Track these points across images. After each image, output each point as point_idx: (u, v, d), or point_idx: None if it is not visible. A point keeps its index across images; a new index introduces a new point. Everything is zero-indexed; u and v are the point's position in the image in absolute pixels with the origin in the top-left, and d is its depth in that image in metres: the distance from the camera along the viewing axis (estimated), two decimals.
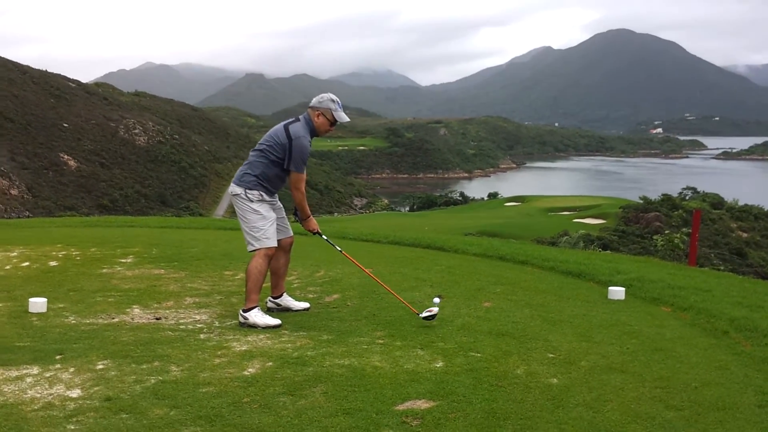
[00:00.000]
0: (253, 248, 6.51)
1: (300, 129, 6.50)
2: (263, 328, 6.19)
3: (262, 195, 6.53)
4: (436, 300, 6.63)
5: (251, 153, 6.66)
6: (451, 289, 7.86)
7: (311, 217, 6.73)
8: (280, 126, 6.61)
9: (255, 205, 6.51)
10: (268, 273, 6.66)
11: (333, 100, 6.58)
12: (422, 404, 4.28)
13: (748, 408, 4.42)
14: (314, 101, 6.62)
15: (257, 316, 6.29)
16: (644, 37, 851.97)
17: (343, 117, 6.61)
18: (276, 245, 6.58)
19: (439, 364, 5.06)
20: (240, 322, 6.33)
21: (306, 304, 6.91)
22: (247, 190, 6.50)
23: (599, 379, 4.85)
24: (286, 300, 6.87)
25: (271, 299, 6.84)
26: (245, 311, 6.33)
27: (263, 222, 6.52)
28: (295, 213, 6.81)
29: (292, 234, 6.88)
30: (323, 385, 4.55)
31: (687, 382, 4.85)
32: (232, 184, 6.62)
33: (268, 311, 6.65)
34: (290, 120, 6.66)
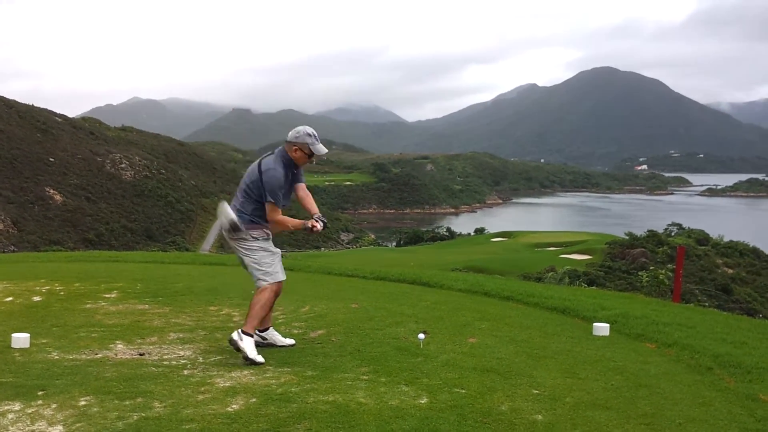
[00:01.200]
0: (266, 283, 6.51)
1: (271, 162, 6.52)
2: (247, 359, 6.17)
3: (266, 233, 6.57)
4: (421, 336, 6.63)
5: (239, 194, 6.65)
6: (436, 324, 7.84)
7: (304, 221, 6.65)
8: (254, 163, 6.65)
9: (261, 243, 6.54)
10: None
11: (309, 134, 6.56)
12: None
13: None
14: (290, 135, 6.59)
15: (250, 346, 6.27)
16: (628, 75, 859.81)
17: (320, 150, 6.58)
18: (284, 279, 6.64)
19: (424, 401, 5.04)
20: (231, 339, 6.33)
21: (291, 341, 6.88)
22: (249, 231, 6.51)
23: (584, 415, 4.85)
24: (273, 334, 6.84)
25: (258, 333, 6.78)
26: (244, 333, 6.33)
27: (272, 258, 6.57)
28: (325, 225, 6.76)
29: (284, 274, 6.85)
30: (307, 422, 4.53)
31: (671, 419, 4.85)
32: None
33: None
34: (265, 154, 6.73)
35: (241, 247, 6.58)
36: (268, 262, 6.53)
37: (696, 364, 6.45)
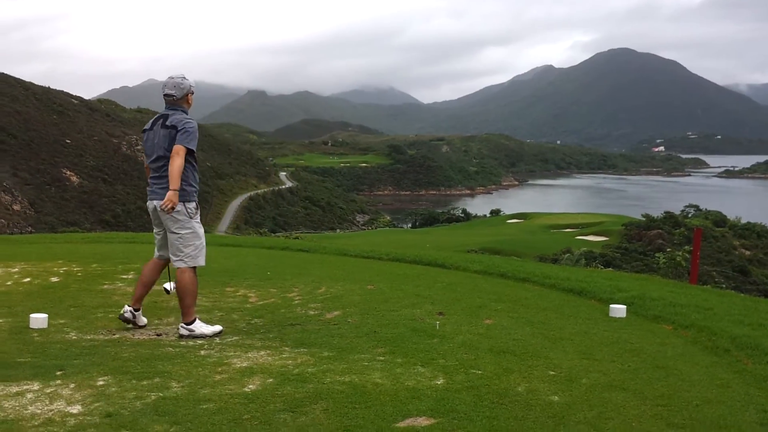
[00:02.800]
0: (185, 265, 6.50)
1: (180, 115, 6.53)
2: (211, 335, 6.32)
3: (199, 207, 6.58)
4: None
5: (160, 166, 6.53)
6: (452, 306, 7.84)
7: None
8: (153, 131, 6.59)
9: (194, 222, 6.54)
10: (140, 284, 6.72)
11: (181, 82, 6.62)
12: (423, 421, 4.26)
13: (749, 426, 4.39)
14: (186, 84, 6.62)
15: (203, 327, 6.40)
16: (645, 56, 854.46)
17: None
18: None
19: (440, 381, 5.04)
20: (182, 335, 6.38)
21: (145, 321, 6.84)
22: (186, 203, 6.47)
23: (600, 396, 4.83)
24: (139, 315, 6.78)
25: (132, 310, 6.69)
26: (188, 324, 6.39)
27: (199, 240, 6.57)
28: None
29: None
30: (324, 402, 4.54)
31: (688, 400, 4.83)
32: (161, 200, 6.43)
33: (121, 320, 6.66)
34: (161, 119, 6.59)
35: (171, 223, 6.49)
36: (195, 245, 6.54)
37: (713, 345, 6.42)
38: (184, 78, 6.63)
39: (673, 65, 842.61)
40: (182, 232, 6.47)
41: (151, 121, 6.69)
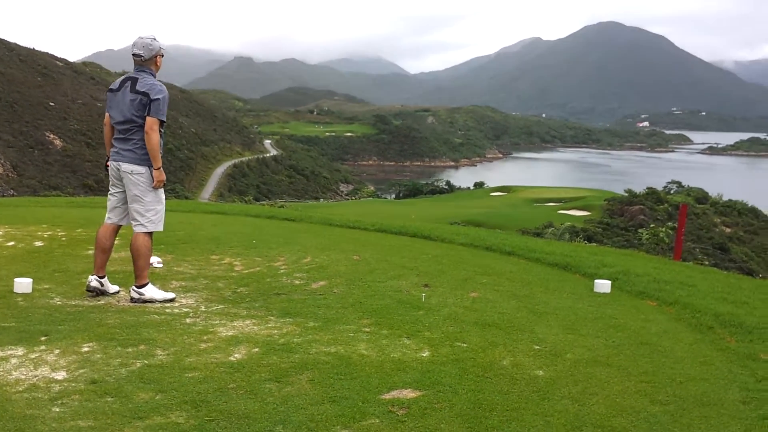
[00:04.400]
0: (145, 230, 6.51)
1: (150, 79, 6.48)
2: (161, 301, 6.37)
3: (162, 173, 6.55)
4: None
5: (126, 129, 6.45)
6: (437, 278, 7.86)
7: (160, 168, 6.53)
8: (126, 92, 6.45)
9: (158, 188, 6.56)
10: (98, 251, 6.64)
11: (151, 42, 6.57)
12: (408, 394, 4.28)
13: (732, 404, 4.43)
14: (155, 46, 6.56)
15: (154, 291, 6.43)
16: (633, 30, 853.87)
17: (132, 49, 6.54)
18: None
19: (426, 354, 5.06)
20: (132, 298, 6.39)
21: (116, 288, 6.78)
22: (151, 169, 6.45)
23: (585, 372, 4.86)
24: (107, 283, 6.71)
25: (97, 279, 6.60)
26: (140, 287, 6.40)
27: (161, 206, 6.60)
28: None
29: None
30: (309, 373, 4.54)
31: (672, 377, 4.87)
32: (126, 163, 6.44)
33: (88, 292, 6.56)
34: (129, 81, 6.50)
35: (134, 188, 6.47)
36: (156, 210, 6.56)
37: (697, 322, 6.46)
38: (154, 39, 6.57)
39: (661, 40, 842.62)
40: (146, 198, 6.48)
41: (118, 81, 6.60)
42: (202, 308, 6.27)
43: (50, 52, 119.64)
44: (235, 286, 7.22)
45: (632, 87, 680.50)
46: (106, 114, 6.65)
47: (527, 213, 62.24)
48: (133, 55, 6.51)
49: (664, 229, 44.63)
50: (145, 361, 4.65)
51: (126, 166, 6.44)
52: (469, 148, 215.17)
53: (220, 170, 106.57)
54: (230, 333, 5.43)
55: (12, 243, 9.26)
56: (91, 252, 8.81)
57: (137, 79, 6.44)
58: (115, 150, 6.54)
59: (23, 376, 4.32)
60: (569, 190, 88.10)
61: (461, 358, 4.99)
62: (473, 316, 6.22)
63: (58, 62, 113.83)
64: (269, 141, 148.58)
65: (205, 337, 5.27)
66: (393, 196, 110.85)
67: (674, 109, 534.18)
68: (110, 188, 6.71)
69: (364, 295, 6.88)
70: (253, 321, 5.83)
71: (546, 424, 3.95)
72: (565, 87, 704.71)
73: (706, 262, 25.80)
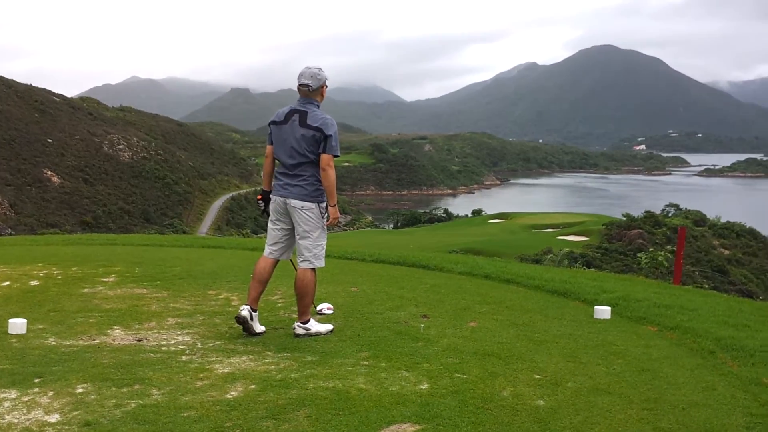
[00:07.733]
0: (311, 266, 6.48)
1: (320, 113, 6.40)
2: (325, 333, 6.44)
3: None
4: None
5: (296, 164, 6.37)
6: (436, 308, 7.80)
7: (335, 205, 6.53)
8: (295, 127, 6.36)
9: (324, 221, 6.51)
10: (256, 283, 6.57)
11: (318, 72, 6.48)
12: (408, 428, 4.22)
13: (735, 430, 4.39)
14: (314, 83, 6.41)
15: (318, 325, 6.47)
16: (628, 53, 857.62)
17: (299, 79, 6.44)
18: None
19: (425, 386, 5.00)
20: (298, 335, 6.38)
21: (263, 329, 6.64)
22: (320, 204, 6.42)
23: (586, 400, 4.81)
24: (256, 319, 6.60)
25: (249, 309, 6.48)
26: (305, 323, 6.42)
27: (326, 241, 6.59)
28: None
29: None
30: (307, 409, 4.49)
31: (674, 403, 4.82)
32: (295, 199, 6.37)
33: (237, 321, 6.48)
34: (297, 114, 6.41)
35: (303, 224, 6.42)
36: (322, 246, 6.53)
37: (698, 347, 6.41)
38: (321, 69, 6.48)
39: (656, 62, 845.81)
40: (314, 234, 6.45)
41: (282, 113, 6.50)
42: (199, 345, 6.21)
43: (47, 87, 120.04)
44: (232, 321, 7.14)
45: (628, 110, 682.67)
46: (268, 146, 6.59)
47: (526, 239, 62.25)
48: (300, 85, 6.42)
49: (663, 253, 44.61)
50: (140, 401, 4.59)
51: (295, 202, 6.38)
52: (467, 176, 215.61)
53: (217, 203, 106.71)
54: (227, 370, 5.37)
55: (7, 283, 9.20)
56: (87, 290, 8.77)
57: (306, 112, 6.37)
58: (280, 184, 6.47)
59: (16, 420, 4.26)
60: (567, 215, 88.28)
61: (461, 389, 4.93)
62: (473, 346, 6.16)
63: (55, 98, 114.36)
64: None
65: (201, 375, 5.21)
66: (391, 225, 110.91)
67: (670, 131, 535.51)
68: (272, 222, 6.64)
69: (363, 327, 6.83)
70: (250, 357, 5.78)
71: None
72: (562, 111, 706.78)
73: (706, 286, 25.79)
